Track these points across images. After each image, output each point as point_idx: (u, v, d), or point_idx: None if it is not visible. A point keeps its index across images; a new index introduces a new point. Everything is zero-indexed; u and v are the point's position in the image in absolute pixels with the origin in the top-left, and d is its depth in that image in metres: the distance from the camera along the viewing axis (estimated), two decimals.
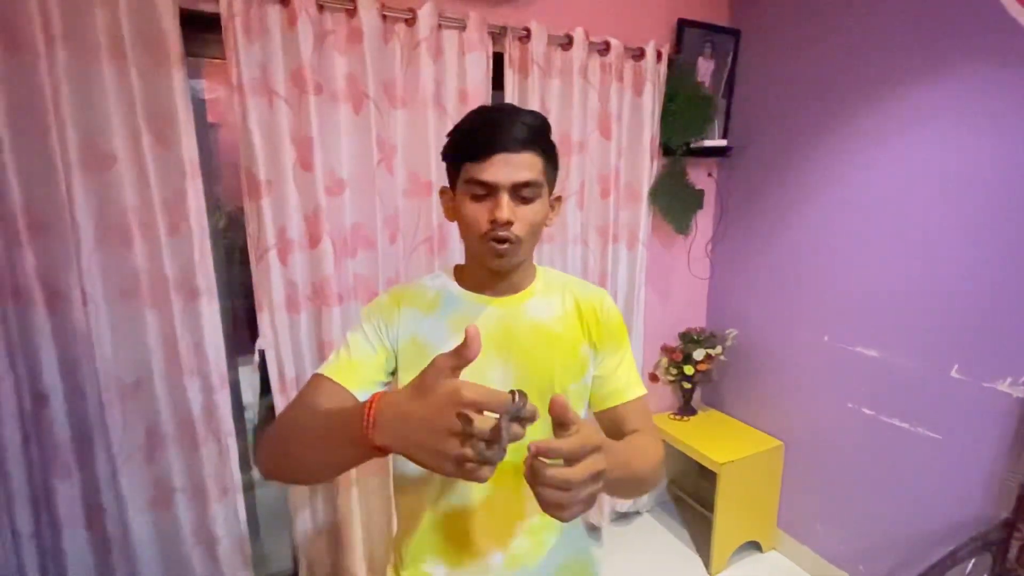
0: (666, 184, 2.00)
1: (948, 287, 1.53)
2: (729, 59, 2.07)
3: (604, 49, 1.79)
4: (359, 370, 0.75)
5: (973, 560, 1.35)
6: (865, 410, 1.76)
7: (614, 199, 1.92)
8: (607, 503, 2.13)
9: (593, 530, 2.21)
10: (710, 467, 1.94)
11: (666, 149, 1.99)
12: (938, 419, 1.58)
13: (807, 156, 1.88)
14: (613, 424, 0.84)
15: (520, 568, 0.79)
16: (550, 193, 0.77)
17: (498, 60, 1.65)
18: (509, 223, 0.70)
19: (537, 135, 0.73)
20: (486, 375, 0.76)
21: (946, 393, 1.55)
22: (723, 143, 2.03)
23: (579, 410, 0.82)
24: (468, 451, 0.45)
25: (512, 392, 0.48)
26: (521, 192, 0.71)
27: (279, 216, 1.43)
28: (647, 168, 1.94)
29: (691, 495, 2.37)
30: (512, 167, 0.70)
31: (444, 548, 0.79)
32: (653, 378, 2.27)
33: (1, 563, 1.29)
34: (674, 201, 2.03)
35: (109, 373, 1.30)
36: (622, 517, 2.30)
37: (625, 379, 0.84)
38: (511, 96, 1.67)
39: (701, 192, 2.11)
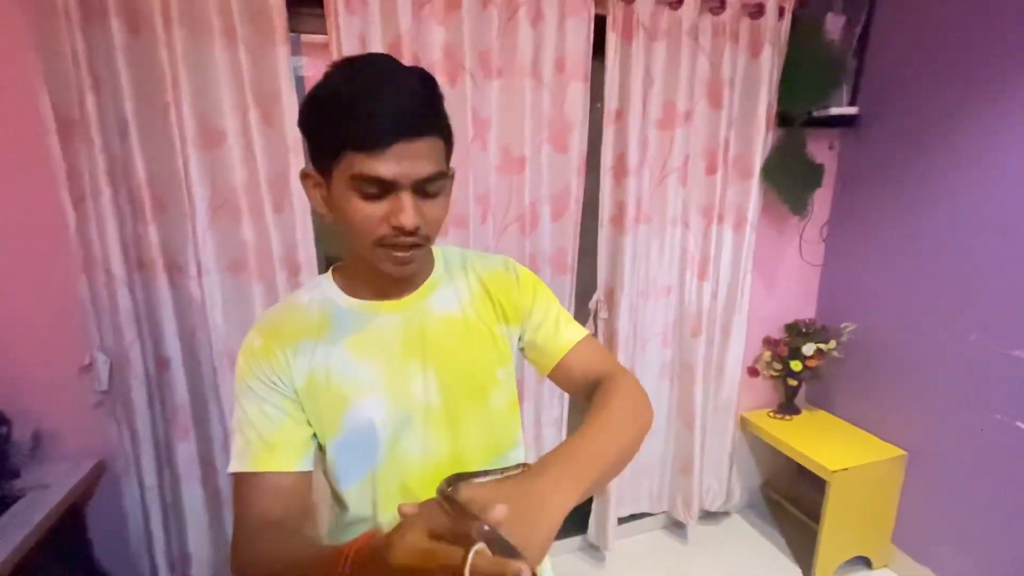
0: (782, 158, 1.78)
1: None
2: (864, 13, 1.79)
3: (718, 7, 1.60)
4: (283, 446, 0.62)
5: None
6: (1020, 424, 1.51)
7: (721, 175, 1.75)
8: (695, 499, 2.01)
9: (678, 527, 2.11)
10: (819, 474, 1.76)
11: (783, 119, 1.77)
12: None
13: (955, 126, 1.60)
14: (571, 381, 0.73)
15: None
16: (447, 167, 0.61)
17: (599, 25, 1.53)
18: (416, 229, 0.56)
19: (436, 108, 0.57)
20: (406, 388, 0.65)
21: None
22: (852, 111, 1.78)
23: (510, 395, 0.72)
24: None
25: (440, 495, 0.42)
26: (426, 188, 0.57)
27: None
28: (760, 140, 1.74)
29: (788, 499, 2.19)
30: (414, 159, 0.54)
31: None
32: (753, 372, 2.09)
33: (131, 511, 1.42)
34: (790, 178, 1.81)
35: (220, 342, 1.36)
36: (710, 516, 2.17)
37: (553, 330, 0.73)
38: (612, 66, 1.55)
39: (821, 167, 1.87)
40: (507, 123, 1.49)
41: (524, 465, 0.54)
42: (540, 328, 0.73)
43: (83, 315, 1.29)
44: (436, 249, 0.73)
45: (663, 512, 2.10)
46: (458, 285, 0.71)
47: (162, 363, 1.36)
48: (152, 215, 1.27)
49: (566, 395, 1.80)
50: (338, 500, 0.69)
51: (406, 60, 1.33)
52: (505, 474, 0.51)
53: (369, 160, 0.53)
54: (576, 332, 0.74)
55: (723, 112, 1.69)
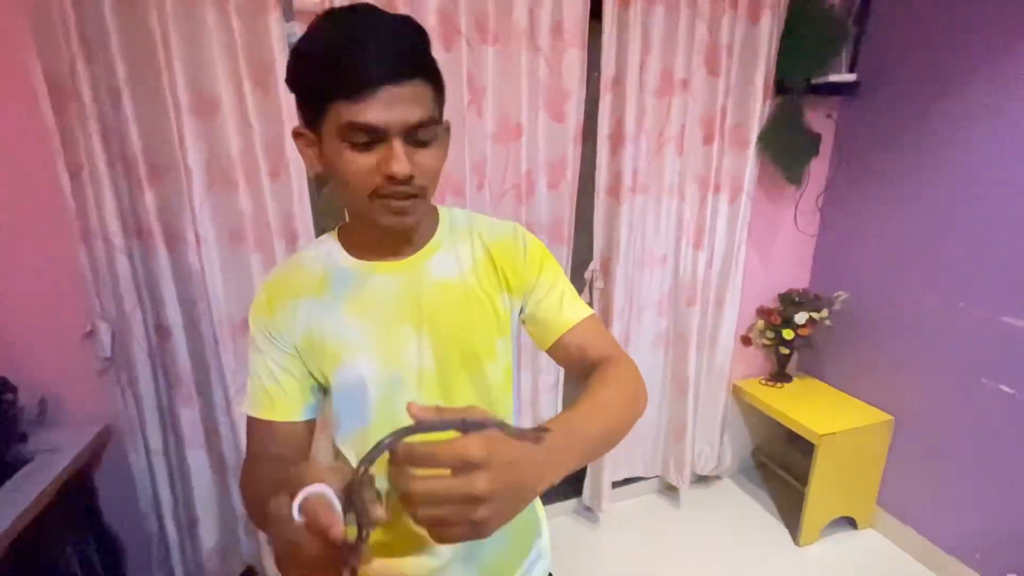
0: (779, 127, 1.78)
1: None
2: None
3: None
4: (281, 399, 0.65)
5: None
6: (1004, 388, 1.55)
7: (718, 145, 1.74)
8: (687, 464, 2.07)
9: (671, 491, 2.17)
10: (808, 438, 1.81)
11: (781, 87, 1.76)
12: None
13: (956, 93, 1.59)
14: (569, 358, 0.72)
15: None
16: (440, 120, 0.61)
17: None
18: (409, 177, 0.56)
19: (423, 53, 0.57)
20: (399, 349, 0.66)
21: None
22: (851, 78, 1.77)
23: (506, 366, 0.72)
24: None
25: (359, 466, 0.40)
26: (417, 135, 0.56)
27: None
28: (758, 109, 1.73)
29: (778, 463, 2.25)
30: (402, 105, 0.53)
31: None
32: (746, 341, 2.13)
33: (138, 475, 1.45)
34: (787, 147, 1.81)
35: (221, 311, 1.38)
36: (701, 480, 2.23)
37: (557, 305, 0.72)
38: (609, 33, 1.53)
39: (818, 136, 1.87)
40: (503, 90, 1.48)
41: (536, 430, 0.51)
42: (543, 302, 0.72)
43: (84, 284, 1.30)
44: (443, 210, 0.73)
45: (656, 476, 2.16)
46: (461, 250, 0.70)
47: (164, 331, 1.37)
48: (148, 183, 1.27)
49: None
50: (337, 450, 0.71)
51: None
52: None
53: (356, 107, 0.52)
54: (580, 311, 0.72)
55: (721, 80, 1.68)
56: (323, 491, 0.40)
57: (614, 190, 1.70)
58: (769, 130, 1.78)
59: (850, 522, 1.98)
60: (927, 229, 1.72)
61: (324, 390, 0.68)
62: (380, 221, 0.60)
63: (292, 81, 0.57)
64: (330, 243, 0.69)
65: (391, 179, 0.55)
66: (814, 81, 1.76)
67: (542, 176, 1.61)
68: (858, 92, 1.84)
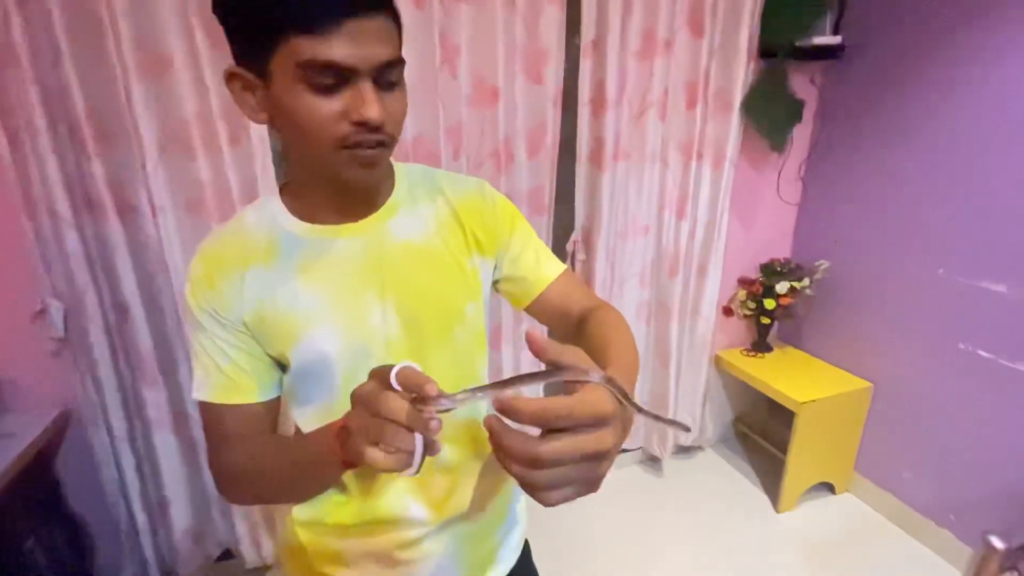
0: (763, 92, 1.74)
1: None
2: None
3: None
4: (243, 379, 0.59)
5: None
6: (982, 352, 1.56)
7: (701, 110, 1.70)
8: (669, 435, 2.08)
9: (654, 462, 2.18)
10: (788, 406, 1.82)
11: (765, 50, 1.71)
12: None
13: (940, 57, 1.56)
14: (551, 314, 0.70)
15: (442, 511, 0.67)
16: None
17: None
18: (382, 124, 0.50)
19: None
20: (363, 318, 0.60)
21: None
22: (836, 40, 1.73)
23: (476, 332, 0.68)
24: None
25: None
26: (386, 75, 0.50)
27: None
28: (742, 73, 1.68)
29: (759, 432, 2.28)
30: (372, 40, 0.47)
31: (350, 503, 0.66)
32: (727, 312, 2.12)
33: (102, 460, 1.39)
34: (771, 113, 1.77)
35: (182, 287, 1.30)
36: (683, 451, 2.25)
37: (534, 262, 0.69)
38: None
39: (801, 102, 1.84)
40: (478, 50, 1.40)
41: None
42: (519, 260, 0.69)
43: (31, 259, 1.22)
44: (399, 166, 0.67)
45: (639, 448, 2.16)
46: (423, 210, 0.64)
47: (121, 309, 1.30)
48: (95, 150, 1.18)
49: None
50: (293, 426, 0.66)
51: None
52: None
53: (319, 43, 0.45)
54: (556, 266, 0.71)
55: (704, 41, 1.62)
56: (412, 364, 0.42)
57: (596, 157, 1.65)
58: (752, 95, 1.73)
59: (828, 488, 2.01)
60: (908, 196, 1.71)
61: (282, 366, 0.63)
62: (346, 175, 0.53)
63: (225, 8, 0.49)
64: (273, 205, 0.61)
65: (362, 126, 0.49)
66: (798, 44, 1.71)
67: (522, 143, 1.55)
68: (842, 56, 1.80)
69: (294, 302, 0.58)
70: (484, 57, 1.41)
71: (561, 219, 1.73)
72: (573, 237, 1.75)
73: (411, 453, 0.41)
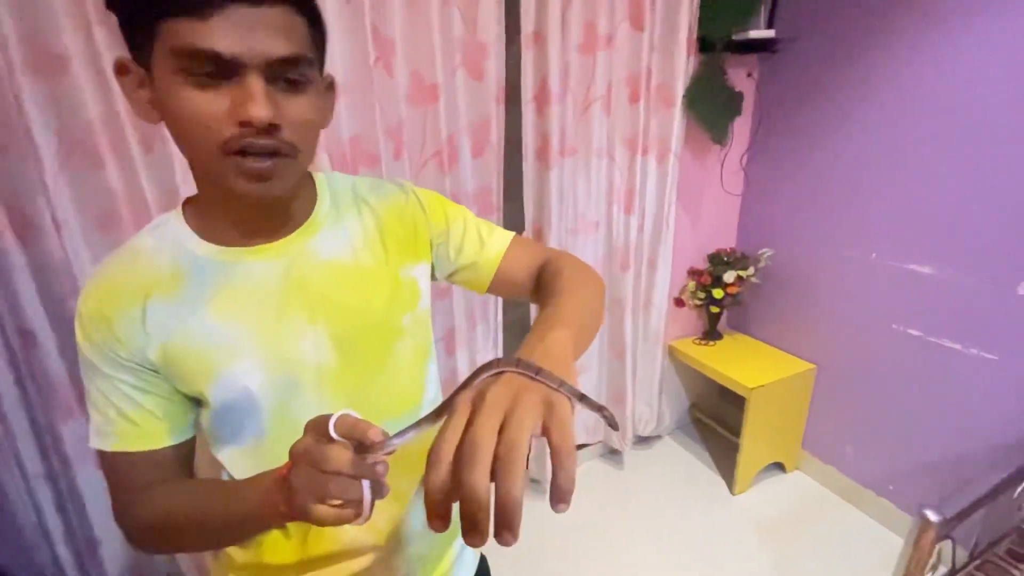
0: (703, 86, 1.76)
1: (1020, 194, 1.35)
2: None
3: None
4: (149, 424, 0.53)
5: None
6: (911, 331, 1.65)
7: (644, 104, 1.70)
8: (628, 427, 2.10)
9: (615, 454, 2.20)
10: (740, 392, 1.87)
11: (703, 44, 1.73)
12: (994, 338, 1.46)
13: (866, 50, 1.63)
14: (513, 285, 0.67)
15: (388, 540, 0.64)
16: (321, 74, 0.51)
17: None
18: (273, 125, 0.44)
19: None
20: (290, 347, 0.55)
21: (1008, 311, 1.42)
22: (770, 34, 1.77)
23: (417, 341, 0.64)
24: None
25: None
26: (284, 73, 0.45)
27: None
28: (682, 67, 1.69)
29: (713, 418, 2.34)
30: (262, 31, 0.42)
31: (289, 540, 0.61)
32: (679, 303, 2.15)
33: (15, 501, 1.26)
34: (711, 106, 1.80)
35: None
36: (643, 441, 2.28)
37: (479, 243, 0.66)
38: None
39: (740, 95, 1.87)
40: (414, 44, 1.34)
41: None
42: (463, 248, 0.66)
43: None
44: (321, 178, 0.61)
45: (599, 441, 2.18)
46: (349, 224, 0.60)
47: (27, 335, 1.17)
48: None
49: (500, 339, 1.77)
50: (215, 464, 0.60)
51: None
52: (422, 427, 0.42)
53: (198, 26, 0.40)
54: (502, 240, 0.68)
55: (645, 35, 1.62)
56: (350, 412, 0.41)
57: (543, 154, 1.62)
58: (693, 89, 1.75)
59: (779, 467, 2.09)
60: (841, 185, 1.78)
61: (199, 402, 0.56)
62: (233, 187, 0.47)
63: None
64: (175, 226, 0.55)
65: (246, 126, 0.43)
66: (735, 38, 1.74)
67: (466, 140, 1.50)
68: (777, 49, 1.85)
69: (208, 334, 0.52)
70: (420, 52, 1.35)
71: (510, 218, 1.70)
72: (524, 235, 1.73)
73: (360, 501, 0.40)
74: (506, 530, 0.30)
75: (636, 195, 1.80)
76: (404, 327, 0.62)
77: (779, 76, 1.90)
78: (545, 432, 0.33)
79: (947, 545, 1.19)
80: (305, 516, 0.41)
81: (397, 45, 1.31)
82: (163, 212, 1.19)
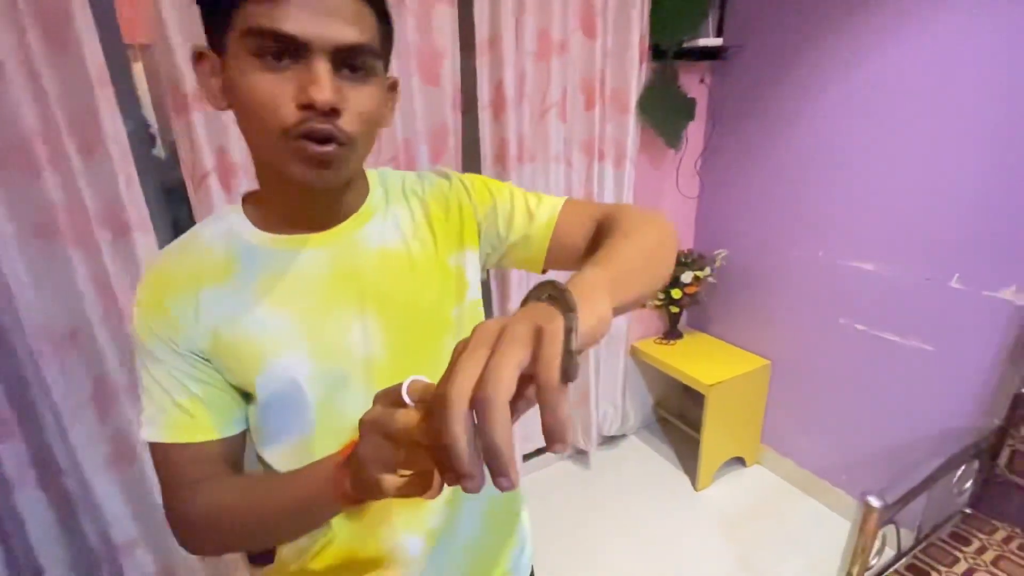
0: (656, 92, 1.81)
1: (952, 193, 1.44)
2: None
3: None
4: (203, 415, 0.52)
5: (963, 468, 1.36)
6: (857, 325, 1.72)
7: (599, 110, 1.74)
8: (594, 427, 2.12)
9: (581, 455, 2.22)
10: (699, 389, 1.92)
11: (656, 52, 1.78)
12: (932, 330, 1.54)
13: (807, 57, 1.71)
14: (572, 252, 0.61)
15: (438, 544, 0.62)
16: (385, 73, 0.51)
17: None
18: (334, 110, 0.44)
19: None
20: (339, 339, 0.55)
21: (943, 304, 1.50)
22: (718, 42, 1.83)
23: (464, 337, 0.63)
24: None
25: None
26: (351, 61, 0.45)
27: (216, 135, 1.22)
28: (635, 73, 1.74)
29: (676, 416, 2.39)
30: (332, 17, 0.43)
31: (344, 541, 0.60)
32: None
33: None
34: (665, 112, 1.85)
35: (36, 323, 1.14)
36: (609, 440, 2.31)
37: (526, 212, 0.62)
38: None
39: (693, 101, 1.93)
40: None
41: None
42: (512, 221, 0.62)
43: None
44: (374, 173, 0.61)
45: None
46: (399, 213, 0.60)
47: None
48: None
49: None
50: (262, 461, 0.59)
51: None
52: None
53: (268, 10, 0.42)
54: (552, 204, 0.62)
55: (598, 42, 1.66)
56: (422, 378, 0.38)
57: (501, 159, 1.64)
58: (647, 95, 1.80)
59: (740, 461, 2.15)
60: (789, 186, 1.85)
61: (248, 397, 0.56)
62: (293, 172, 0.47)
63: None
64: (233, 216, 0.55)
65: (308, 109, 0.44)
66: (685, 45, 1.80)
67: (423, 146, 1.50)
68: (726, 56, 1.92)
69: (256, 324, 0.52)
70: None
71: None
72: None
73: (430, 472, 0.38)
74: (498, 476, 0.28)
75: (595, 200, 1.83)
76: (452, 320, 0.60)
77: (729, 82, 1.98)
78: (532, 365, 0.29)
79: (891, 530, 1.25)
80: (372, 490, 0.39)
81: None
82: (105, 220, 1.16)
